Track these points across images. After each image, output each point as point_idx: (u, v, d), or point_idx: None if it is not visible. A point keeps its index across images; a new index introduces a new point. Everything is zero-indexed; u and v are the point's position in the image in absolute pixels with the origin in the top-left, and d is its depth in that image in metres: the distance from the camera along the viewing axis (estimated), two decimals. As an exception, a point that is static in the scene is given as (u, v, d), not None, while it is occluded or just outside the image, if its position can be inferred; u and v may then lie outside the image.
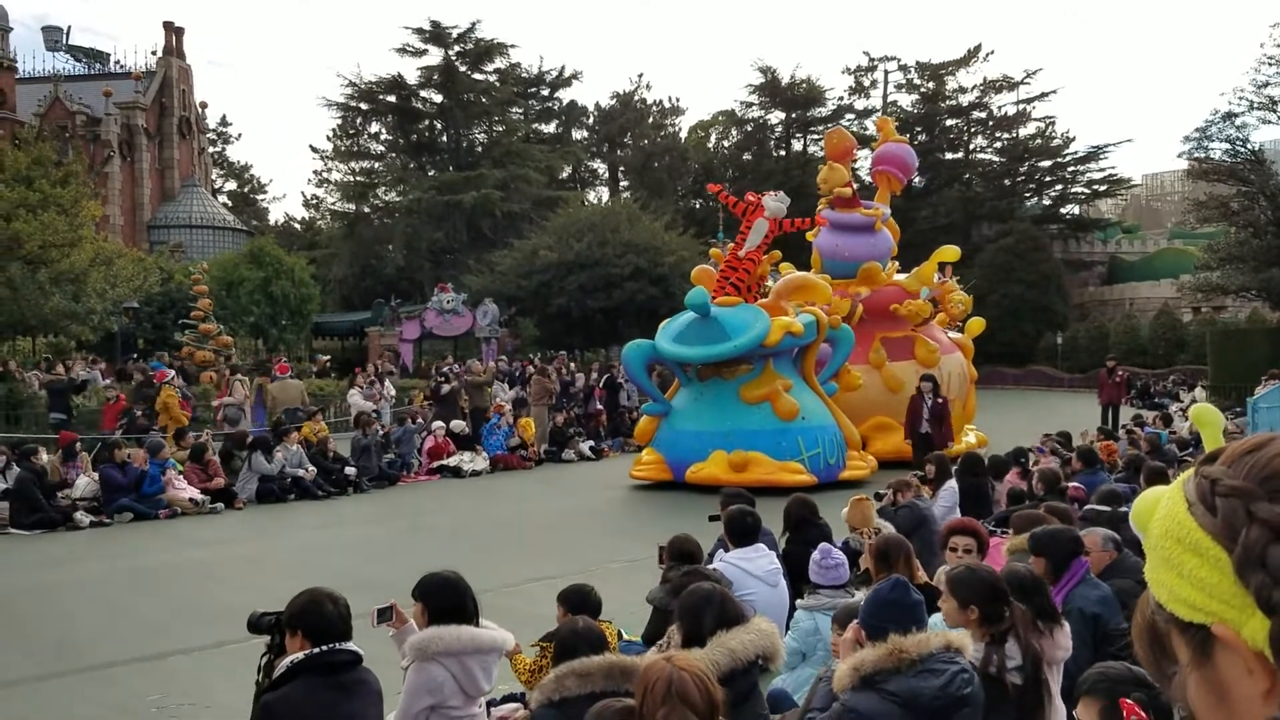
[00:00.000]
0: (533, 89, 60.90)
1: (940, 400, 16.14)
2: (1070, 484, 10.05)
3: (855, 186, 20.81)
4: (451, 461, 18.77)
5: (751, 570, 6.53)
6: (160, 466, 14.55)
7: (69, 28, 52.74)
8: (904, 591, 3.90)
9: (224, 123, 68.17)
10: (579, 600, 5.29)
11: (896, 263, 20.73)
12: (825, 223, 19.85)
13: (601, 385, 24.11)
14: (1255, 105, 44.77)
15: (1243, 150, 45.60)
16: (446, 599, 4.45)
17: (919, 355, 18.69)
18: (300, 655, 3.82)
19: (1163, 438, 16.36)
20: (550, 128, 63.38)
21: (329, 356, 32.21)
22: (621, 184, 65.34)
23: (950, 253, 20.51)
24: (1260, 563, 0.88)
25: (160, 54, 48.42)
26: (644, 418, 17.18)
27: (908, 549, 6.00)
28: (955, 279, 22.08)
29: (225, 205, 55.74)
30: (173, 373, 20.85)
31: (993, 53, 61.33)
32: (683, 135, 67.11)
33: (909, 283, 19.47)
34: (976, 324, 21.82)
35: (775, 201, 16.51)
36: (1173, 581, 0.95)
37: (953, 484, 10.45)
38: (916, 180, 61.12)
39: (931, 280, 19.87)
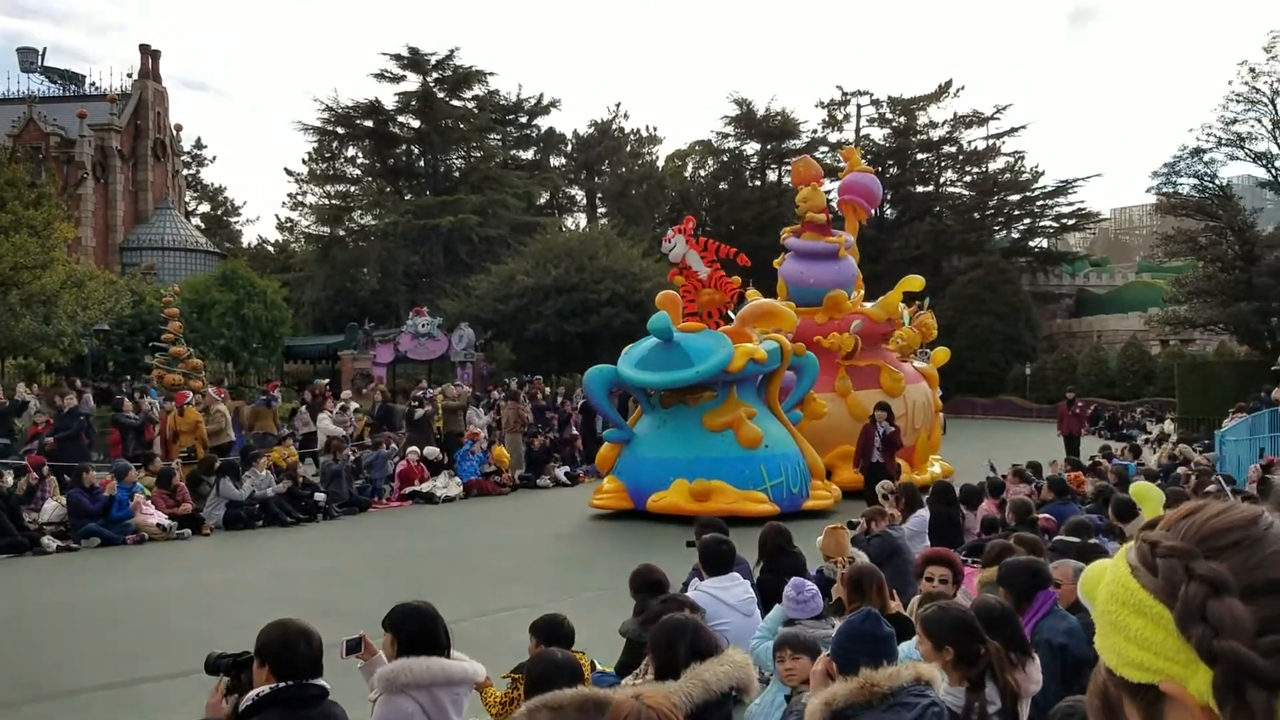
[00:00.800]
0: (511, 116, 61.11)
1: (893, 429, 15.89)
2: (1041, 515, 10.15)
3: (829, 215, 20.95)
4: (424, 487, 18.67)
5: (726, 599, 6.54)
6: (128, 491, 14.39)
7: (44, 49, 52.49)
8: (875, 624, 3.92)
9: (199, 145, 67.94)
10: (551, 630, 5.27)
11: (862, 291, 20.80)
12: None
13: (578, 410, 24.09)
14: (1223, 142, 45.60)
15: (1210, 186, 46.37)
16: (417, 629, 4.40)
17: (884, 384, 18.66)
18: (266, 689, 3.76)
19: (1130, 469, 16.55)
20: (528, 154, 63.60)
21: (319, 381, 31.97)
22: (599, 211, 65.57)
23: (915, 282, 20.49)
24: (1200, 616, 0.92)
25: (136, 76, 48.24)
26: (605, 445, 16.86)
27: (880, 579, 6.03)
28: (920, 305, 22.16)
29: (199, 228, 55.44)
30: (191, 395, 20.84)
31: (963, 88, 62.71)
32: (660, 164, 67.54)
33: (875, 312, 19.47)
34: (941, 354, 21.97)
35: (668, 246, 16.30)
36: (1120, 645, 0.99)
37: (923, 513, 10.52)
38: (888, 212, 61.88)
39: (897, 309, 19.92)
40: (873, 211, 24.82)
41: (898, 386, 18.73)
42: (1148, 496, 7.05)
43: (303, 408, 23.06)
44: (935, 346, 22.04)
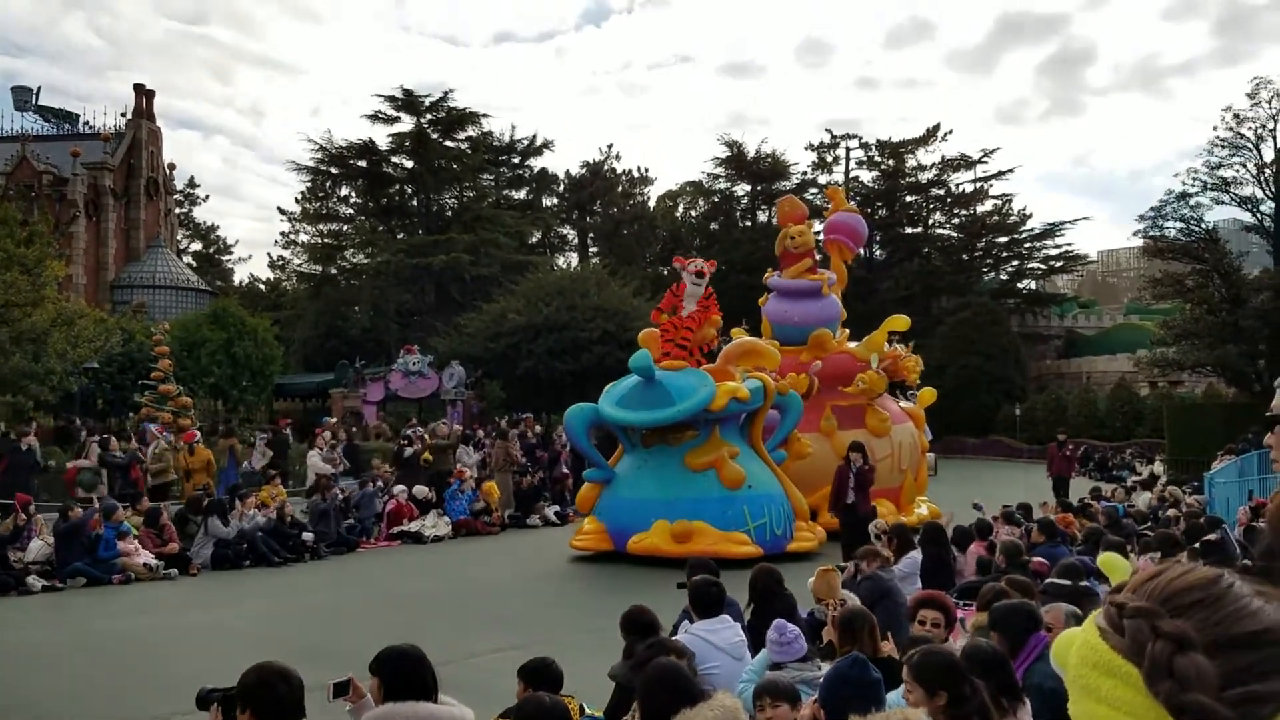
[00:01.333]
0: (504, 156, 61.58)
1: (867, 468, 15.05)
2: (1034, 558, 10.11)
3: (811, 254, 20.88)
4: (413, 527, 18.57)
5: (716, 643, 6.49)
6: (115, 530, 14.29)
7: (39, 88, 52.82)
8: (863, 669, 3.91)
9: (192, 184, 68.31)
10: (539, 674, 5.23)
11: (847, 330, 20.69)
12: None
13: (567, 449, 24.03)
14: (1209, 186, 46.14)
15: (1197, 229, 46.80)
16: (404, 673, 4.36)
17: (870, 424, 18.43)
18: (249, 733, 3.73)
19: (1120, 511, 16.54)
20: (521, 194, 64.02)
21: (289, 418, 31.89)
22: (591, 250, 65.90)
23: (900, 322, 20.35)
24: (1167, 672, 0.95)
25: (130, 115, 48.52)
26: (585, 485, 16.54)
27: (872, 622, 5.99)
28: (905, 345, 22.15)
29: (190, 266, 55.49)
30: (198, 434, 20.90)
31: (951, 132, 63.02)
32: (651, 204, 68.02)
33: (860, 351, 19.35)
34: (928, 394, 21.78)
35: (693, 284, 16.11)
36: (1093, 708, 1.02)
37: (915, 554, 10.49)
38: (877, 253, 62.31)
39: (882, 349, 19.79)
40: (859, 251, 24.72)
41: (884, 427, 18.51)
42: (1115, 566, 7.14)
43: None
44: (922, 387, 21.97)
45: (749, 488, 15.00)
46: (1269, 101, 44.65)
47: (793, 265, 20.07)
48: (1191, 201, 46.43)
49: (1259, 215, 46.96)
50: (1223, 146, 45.89)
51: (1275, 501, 1.23)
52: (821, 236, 21.78)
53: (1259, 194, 46.46)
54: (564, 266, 58.15)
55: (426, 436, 22.94)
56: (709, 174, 64.72)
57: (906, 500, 19.04)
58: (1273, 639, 0.96)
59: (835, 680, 3.92)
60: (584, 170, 65.73)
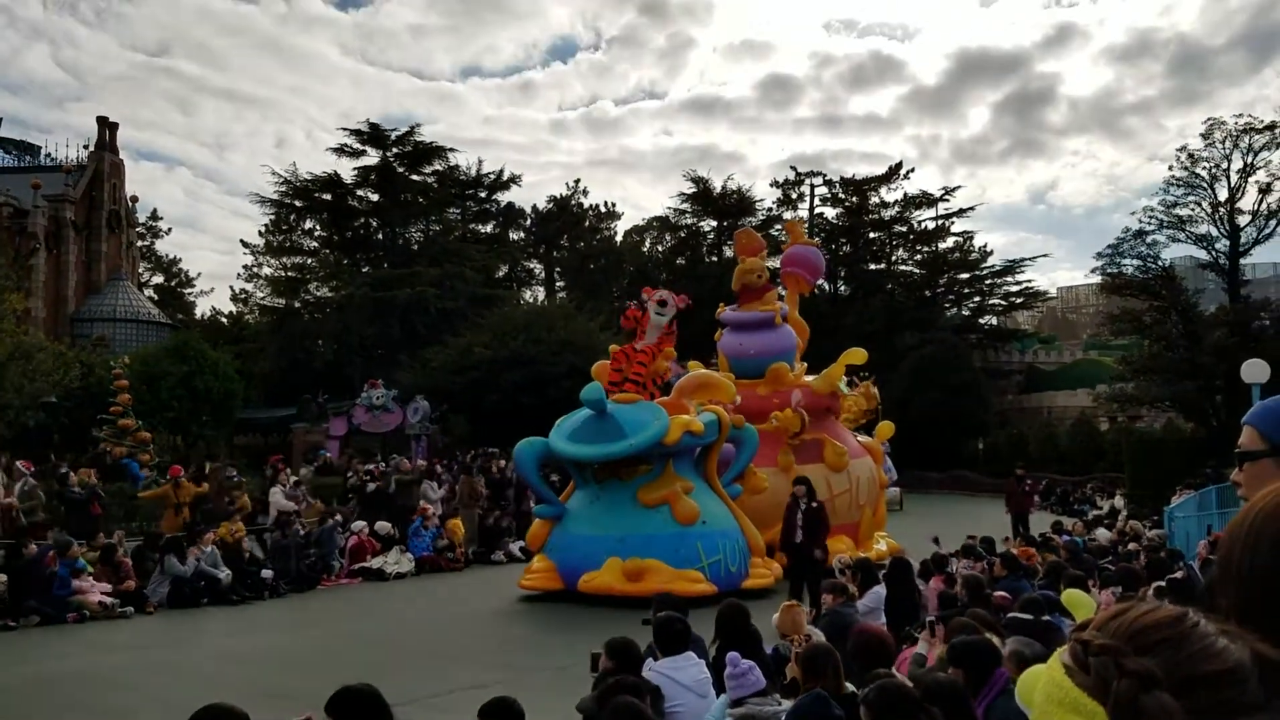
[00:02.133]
0: (470, 190, 61.57)
1: (814, 505, 14.18)
2: (997, 592, 10.16)
3: (770, 285, 20.61)
4: (375, 563, 18.35)
5: (680, 680, 6.45)
6: (69, 567, 14.00)
7: (0, 120, 52.28)
8: (825, 707, 3.90)
9: (154, 216, 67.60)
10: (500, 714, 5.17)
11: (805, 364, 20.40)
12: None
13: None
14: (1165, 224, 47.07)
15: (1154, 266, 47.66)
16: (360, 714, 4.30)
17: (828, 458, 18.09)
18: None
19: (1081, 544, 16.68)
20: (487, 228, 63.95)
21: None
22: (558, 284, 65.93)
23: (857, 355, 20.10)
24: (1132, 710, 0.96)
25: (92, 148, 48.13)
26: (536, 521, 16.04)
27: (837, 659, 5.98)
28: (867, 379, 22.07)
29: (152, 299, 54.87)
30: (182, 469, 20.69)
31: (913, 170, 64.25)
32: (618, 239, 68.24)
33: (818, 384, 19.13)
34: (886, 428, 21.64)
35: (656, 314, 16.08)
36: None
37: (879, 589, 10.52)
38: (842, 289, 62.83)
39: (838, 382, 19.45)
40: (816, 284, 24.59)
41: (841, 461, 18.18)
42: (1079, 603, 7.22)
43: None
44: (880, 421, 21.98)
45: (703, 524, 14.64)
46: (1222, 142, 45.74)
47: (751, 300, 19.76)
48: (1148, 239, 47.32)
49: (1214, 253, 47.89)
50: (1178, 185, 46.91)
51: (1225, 536, 1.23)
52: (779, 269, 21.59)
53: (1214, 231, 47.43)
54: (531, 301, 58.12)
55: (390, 471, 22.73)
56: (675, 209, 65.14)
57: (865, 536, 18.67)
58: (1237, 679, 0.97)
59: (797, 718, 3.91)
60: (551, 205, 65.91)
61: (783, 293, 21.19)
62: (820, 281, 66.80)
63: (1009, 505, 23.63)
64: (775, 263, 27.24)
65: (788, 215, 62.83)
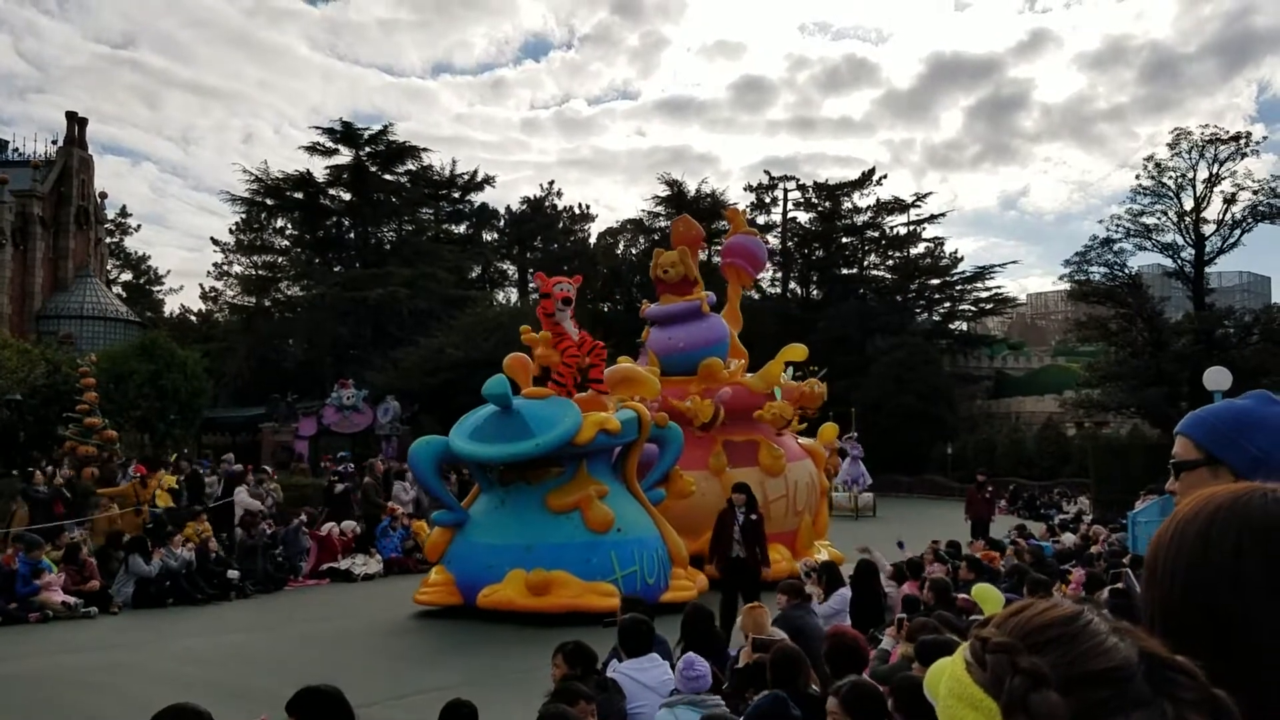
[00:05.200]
0: (444, 190, 61.41)
1: (754, 518, 12.67)
2: (960, 595, 10.27)
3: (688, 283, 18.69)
4: (343, 564, 18.27)
5: (645, 681, 6.48)
6: (31, 566, 13.86)
7: (-34, 112, 51.62)
8: (783, 707, 3.96)
9: (123, 213, 66.93)
10: (454, 717, 5.21)
11: (743, 361, 19.03)
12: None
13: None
14: (1131, 232, 47.70)
15: (1120, 274, 48.25)
16: (322, 714, 4.31)
17: (763, 461, 16.84)
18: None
19: (1047, 549, 16.87)
20: (461, 228, 63.79)
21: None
22: (531, 286, 65.80)
23: (797, 351, 18.62)
24: (1023, 708, 0.99)
25: (61, 143, 47.61)
26: (435, 529, 14.52)
27: (805, 661, 6.02)
28: (810, 374, 21.28)
29: (120, 296, 54.31)
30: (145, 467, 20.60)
31: (885, 176, 64.62)
32: (592, 241, 68.23)
33: (755, 382, 17.64)
34: (830, 429, 20.89)
35: (560, 312, 15.23)
36: None
37: (844, 591, 10.60)
38: (814, 293, 63.16)
39: (778, 380, 18.16)
40: (757, 277, 22.91)
41: (778, 464, 16.87)
42: (987, 597, 7.31)
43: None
44: (826, 422, 20.78)
45: (618, 531, 13.40)
46: (1189, 152, 46.38)
47: (670, 293, 18.45)
48: (1115, 247, 47.96)
49: (1180, 261, 48.55)
50: (1145, 195, 47.57)
51: (1151, 542, 1.27)
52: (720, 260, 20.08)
53: (1180, 240, 48.09)
54: (504, 302, 57.98)
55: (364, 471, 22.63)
56: (649, 212, 65.30)
57: (804, 545, 17.24)
58: (1123, 676, 1.00)
59: (756, 717, 3.97)
60: (525, 206, 65.84)
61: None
62: (793, 285, 66.87)
63: (969, 511, 22.77)
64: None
65: (761, 219, 63.12)
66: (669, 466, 15.18)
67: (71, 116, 48.31)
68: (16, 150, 48.24)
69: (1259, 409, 2.04)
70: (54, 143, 48.07)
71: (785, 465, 17.09)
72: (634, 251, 67.80)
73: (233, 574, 16.16)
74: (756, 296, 62.39)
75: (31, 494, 19.05)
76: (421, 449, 14.23)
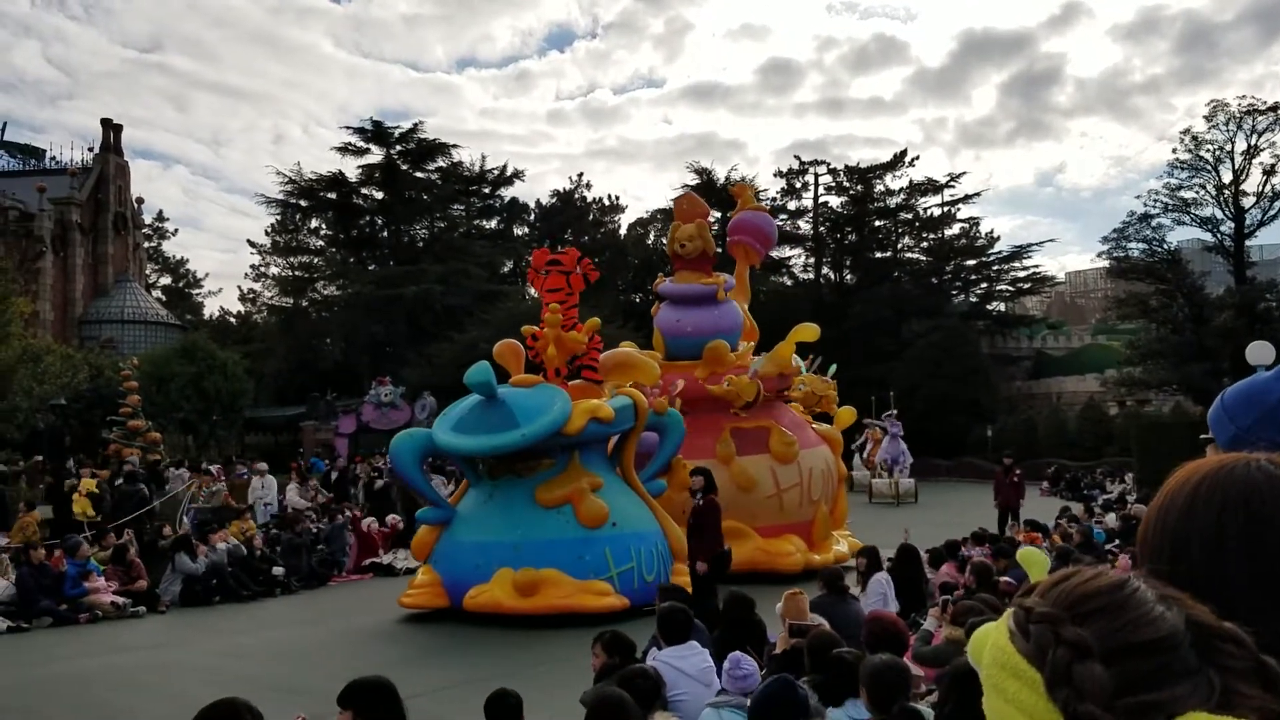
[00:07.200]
0: (474, 186, 61.65)
1: (699, 502, 12.21)
2: (1002, 579, 10.19)
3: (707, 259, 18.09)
4: (385, 559, 18.45)
5: (685, 669, 6.49)
6: (79, 568, 14.11)
7: (4, 124, 52.55)
8: (790, 690, 3.95)
9: (160, 218, 67.91)
10: (497, 706, 5.25)
11: (752, 343, 18.22)
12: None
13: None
14: (1169, 207, 46.96)
15: (1159, 250, 47.52)
16: (375, 706, 4.36)
17: (774, 448, 16.06)
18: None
19: (1093, 530, 16.65)
20: (492, 224, 64.04)
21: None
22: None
23: (809, 331, 17.89)
24: (1066, 679, 0.98)
25: (97, 150, 48.32)
26: (421, 528, 13.76)
27: (841, 645, 6.02)
28: (815, 365, 20.74)
29: (159, 300, 55.13)
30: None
31: (918, 157, 63.99)
32: (622, 232, 68.20)
33: (764, 366, 16.89)
34: (847, 414, 20.37)
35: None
36: (1000, 707, 1.05)
37: (883, 575, 10.55)
38: (848, 277, 62.72)
39: (789, 362, 17.41)
40: (767, 254, 21.96)
41: (789, 451, 16.05)
42: (1033, 561, 7.20)
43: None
44: (842, 406, 20.20)
45: (613, 526, 12.68)
46: (1226, 124, 45.56)
47: (688, 271, 17.79)
48: (1153, 223, 47.23)
49: (1219, 235, 47.77)
50: (1182, 169, 46.79)
51: (1147, 510, 1.28)
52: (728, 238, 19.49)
53: (1219, 214, 47.29)
54: (535, 296, 58.10)
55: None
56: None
57: (820, 536, 16.41)
58: (1169, 645, 0.99)
59: (764, 701, 3.97)
60: (554, 199, 65.92)
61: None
62: (826, 271, 66.28)
63: (997, 497, 21.11)
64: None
65: (791, 205, 62.76)
66: (670, 456, 14.39)
67: (106, 123, 49.05)
68: (54, 159, 49.03)
69: (1271, 384, 2.04)
70: (90, 149, 48.82)
71: (798, 452, 16.26)
72: (664, 242, 67.72)
73: (278, 570, 16.37)
74: (789, 283, 62.08)
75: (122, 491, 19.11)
76: (404, 442, 13.30)
